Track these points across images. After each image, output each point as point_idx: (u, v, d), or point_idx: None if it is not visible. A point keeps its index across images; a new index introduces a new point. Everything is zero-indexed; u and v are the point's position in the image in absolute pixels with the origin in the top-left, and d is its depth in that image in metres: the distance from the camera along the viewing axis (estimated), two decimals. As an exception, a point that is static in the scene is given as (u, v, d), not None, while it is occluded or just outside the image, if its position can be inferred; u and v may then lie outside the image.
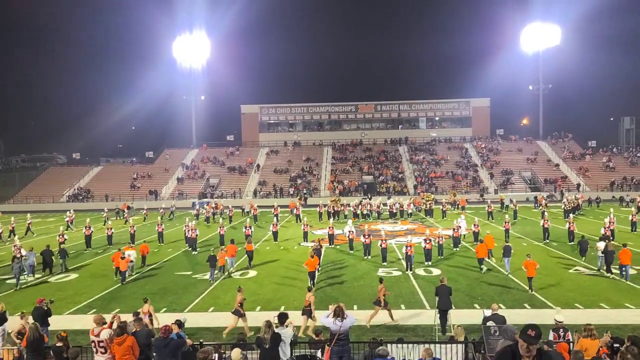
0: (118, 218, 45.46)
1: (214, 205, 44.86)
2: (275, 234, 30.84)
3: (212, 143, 77.20)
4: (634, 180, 58.30)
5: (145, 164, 71.84)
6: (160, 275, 22.13)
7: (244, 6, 78.59)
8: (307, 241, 29.64)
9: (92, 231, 30.37)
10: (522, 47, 74.79)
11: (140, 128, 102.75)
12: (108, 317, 10.35)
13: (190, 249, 27.72)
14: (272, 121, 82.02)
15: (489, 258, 22.58)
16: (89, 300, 18.21)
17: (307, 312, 14.42)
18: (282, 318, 10.51)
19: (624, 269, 19.39)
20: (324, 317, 10.95)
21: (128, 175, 66.82)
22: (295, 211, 41.65)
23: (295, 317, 13.55)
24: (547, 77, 74.77)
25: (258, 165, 67.53)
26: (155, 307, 17.19)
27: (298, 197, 51.23)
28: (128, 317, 11.43)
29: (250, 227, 28.79)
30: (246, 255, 23.61)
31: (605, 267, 20.51)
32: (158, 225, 31.41)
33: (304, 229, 30.68)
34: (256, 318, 14.19)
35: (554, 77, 75.85)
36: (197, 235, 28.04)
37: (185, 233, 28.86)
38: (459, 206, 45.71)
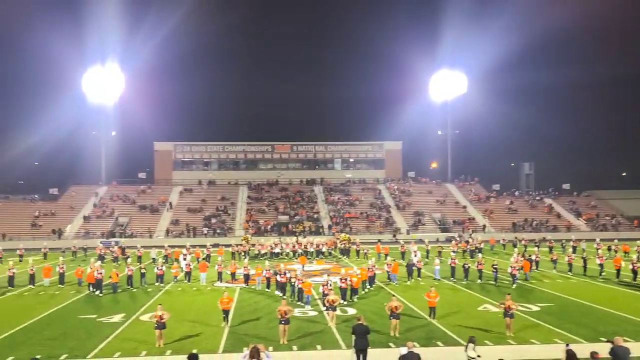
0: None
1: (118, 249, 42.02)
2: (188, 275, 29.91)
3: (123, 180, 73.82)
4: (534, 221, 62.47)
5: (49, 201, 67.14)
6: (61, 319, 20.55)
7: (162, 42, 76.96)
8: (221, 281, 28.85)
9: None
10: (431, 94, 79.04)
11: (44, 163, 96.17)
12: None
13: (95, 291, 26.07)
14: (187, 159, 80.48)
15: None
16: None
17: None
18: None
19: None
20: (240, 359, 10.65)
21: (29, 212, 62.33)
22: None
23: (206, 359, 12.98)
24: (455, 122, 79.24)
25: (170, 204, 65.51)
26: (55, 354, 16.00)
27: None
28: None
29: (162, 267, 28.58)
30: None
31: None
32: (59, 266, 29.26)
33: (217, 270, 29.82)
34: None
35: (461, 123, 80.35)
36: (102, 276, 26.43)
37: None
38: (362, 252, 40.83)
